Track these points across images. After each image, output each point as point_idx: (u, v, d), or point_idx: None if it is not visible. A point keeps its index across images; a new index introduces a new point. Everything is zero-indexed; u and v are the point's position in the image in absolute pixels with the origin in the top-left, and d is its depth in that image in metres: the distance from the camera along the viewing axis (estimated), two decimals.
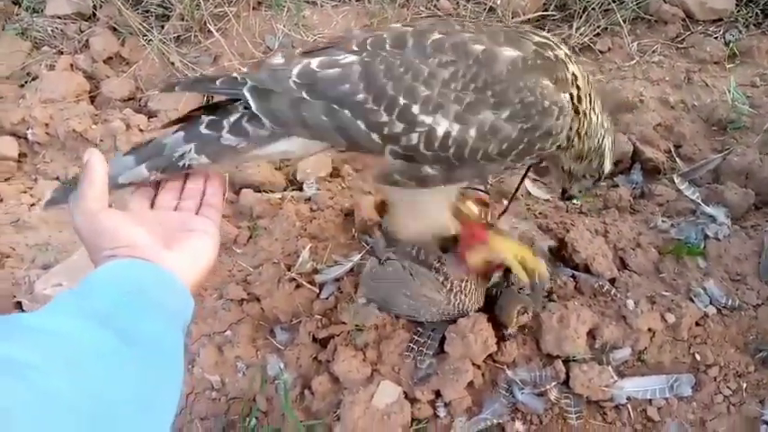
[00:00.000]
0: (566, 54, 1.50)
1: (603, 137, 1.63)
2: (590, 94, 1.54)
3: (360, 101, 1.36)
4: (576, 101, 1.48)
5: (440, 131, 1.36)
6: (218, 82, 1.41)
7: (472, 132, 1.37)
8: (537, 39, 1.48)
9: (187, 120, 1.44)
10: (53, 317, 0.90)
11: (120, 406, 0.82)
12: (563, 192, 1.83)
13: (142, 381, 0.89)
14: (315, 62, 1.39)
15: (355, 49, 1.41)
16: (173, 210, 1.32)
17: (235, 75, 1.41)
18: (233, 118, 1.39)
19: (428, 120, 1.36)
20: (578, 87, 1.50)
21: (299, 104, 1.37)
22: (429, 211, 1.70)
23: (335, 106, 1.37)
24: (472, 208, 1.96)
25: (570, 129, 1.50)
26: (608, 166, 1.71)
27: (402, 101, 1.35)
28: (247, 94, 1.37)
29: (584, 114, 1.53)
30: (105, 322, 0.90)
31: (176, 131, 1.38)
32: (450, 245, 1.94)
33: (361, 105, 1.36)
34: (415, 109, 1.35)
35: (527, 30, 1.55)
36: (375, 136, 1.38)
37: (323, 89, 1.37)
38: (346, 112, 1.37)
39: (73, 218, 1.14)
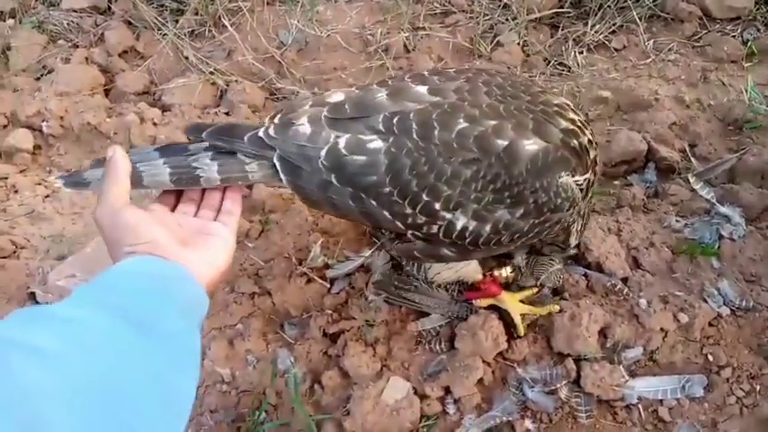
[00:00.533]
0: (589, 140, 1.58)
1: (575, 220, 1.71)
2: None
3: (386, 193, 1.44)
4: (590, 184, 1.60)
5: (458, 225, 1.47)
6: (246, 138, 1.44)
7: (488, 228, 1.48)
8: (564, 124, 1.52)
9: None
10: (75, 308, 0.92)
11: (138, 398, 0.84)
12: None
13: (160, 374, 0.90)
14: (342, 143, 1.43)
15: (381, 129, 1.44)
16: (192, 215, 1.37)
17: (261, 135, 1.45)
18: (250, 133, 1.46)
19: (448, 216, 1.46)
20: (595, 173, 1.61)
21: (327, 187, 1.45)
22: (466, 264, 1.83)
23: (362, 195, 1.45)
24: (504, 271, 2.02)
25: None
26: (572, 242, 1.87)
27: (425, 198, 1.44)
28: (277, 164, 1.44)
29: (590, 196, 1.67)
30: (125, 316, 0.91)
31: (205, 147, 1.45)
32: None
33: (387, 198, 1.45)
34: (437, 206, 1.45)
35: (556, 109, 1.56)
36: (399, 223, 1.49)
37: (350, 177, 1.43)
38: (372, 201, 1.45)
39: (95, 212, 1.17)
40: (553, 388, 1.81)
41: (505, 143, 1.43)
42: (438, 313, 1.96)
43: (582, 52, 3.06)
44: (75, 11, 3.37)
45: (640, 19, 3.09)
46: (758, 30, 3.02)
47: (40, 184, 2.68)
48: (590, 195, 1.71)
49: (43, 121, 2.83)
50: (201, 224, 1.33)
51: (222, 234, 1.29)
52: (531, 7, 3.14)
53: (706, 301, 1.95)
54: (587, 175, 1.57)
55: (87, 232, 2.45)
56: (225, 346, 2.02)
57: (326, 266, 2.15)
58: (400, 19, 3.17)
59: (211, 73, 3.03)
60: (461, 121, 1.44)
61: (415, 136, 1.42)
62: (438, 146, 1.42)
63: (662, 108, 2.69)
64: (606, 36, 3.10)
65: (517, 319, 1.89)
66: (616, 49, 3.08)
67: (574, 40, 3.11)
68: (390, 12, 3.22)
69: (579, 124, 1.57)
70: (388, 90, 1.52)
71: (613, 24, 3.12)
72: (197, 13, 3.26)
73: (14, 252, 2.37)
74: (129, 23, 3.31)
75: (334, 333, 2.01)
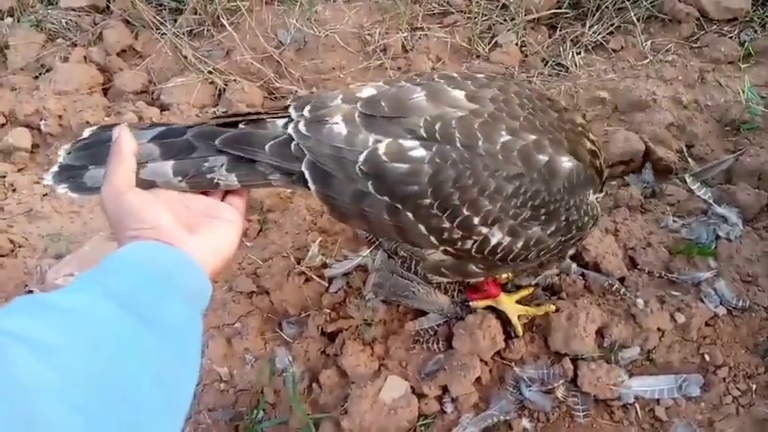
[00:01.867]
0: (603, 160, 1.60)
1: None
2: None
3: (426, 205, 1.38)
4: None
5: (493, 241, 1.44)
6: (267, 147, 1.33)
7: (520, 244, 1.46)
8: (589, 145, 1.54)
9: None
10: (74, 296, 0.90)
11: (139, 387, 0.83)
12: None
13: (161, 364, 0.89)
14: (382, 148, 1.34)
15: (423, 135, 1.36)
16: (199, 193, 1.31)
17: (291, 131, 1.34)
18: (271, 143, 1.35)
19: (485, 230, 1.43)
20: (602, 191, 1.62)
21: (361, 198, 1.37)
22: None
23: (399, 206, 1.38)
24: None
25: None
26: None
27: (465, 212, 1.39)
28: (306, 172, 1.34)
29: None
30: (127, 304, 0.90)
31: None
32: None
33: (427, 210, 1.39)
34: (476, 221, 1.41)
35: (581, 129, 1.58)
36: (433, 238, 1.44)
37: (390, 185, 1.36)
38: (409, 214, 1.39)
39: (100, 194, 1.14)
40: (550, 387, 1.82)
41: (546, 159, 1.41)
42: (437, 312, 1.96)
43: (580, 53, 3.06)
44: (73, 9, 3.37)
45: (638, 20, 3.09)
46: (755, 31, 3.03)
47: (38, 182, 2.68)
48: None
49: (41, 119, 2.83)
50: (209, 205, 1.27)
51: (229, 217, 1.25)
52: (529, 8, 3.15)
53: (703, 301, 1.96)
54: (600, 195, 1.59)
55: (85, 231, 2.45)
56: (223, 344, 2.03)
57: (325, 266, 2.16)
58: (398, 19, 3.18)
59: (210, 72, 3.04)
60: (504, 133, 1.40)
61: (458, 145, 1.37)
62: (483, 158, 1.37)
63: (659, 109, 2.70)
64: (604, 37, 3.11)
65: (515, 321, 1.90)
66: (614, 50, 3.09)
67: (572, 40, 3.11)
68: (389, 12, 3.22)
69: (598, 146, 1.59)
70: (425, 90, 1.45)
71: (611, 25, 3.13)
72: (196, 13, 3.26)
73: (12, 251, 2.38)
74: (128, 22, 3.31)
75: (332, 332, 2.01)
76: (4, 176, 2.68)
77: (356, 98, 1.43)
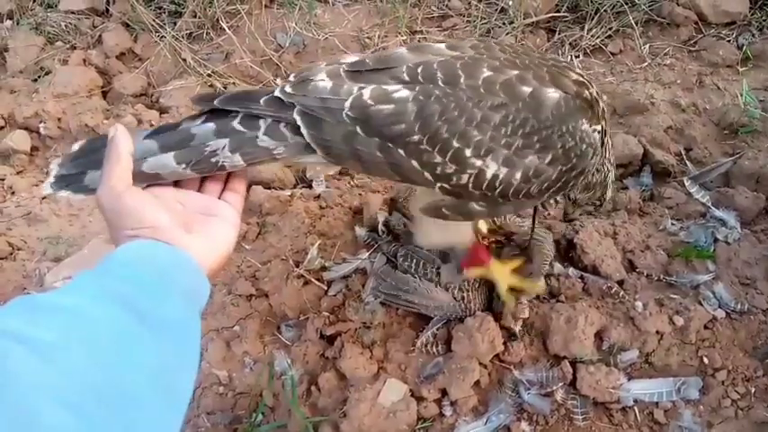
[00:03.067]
0: (597, 92, 1.58)
1: (609, 170, 1.74)
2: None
3: (415, 141, 1.40)
4: (604, 135, 1.58)
5: (489, 174, 1.43)
6: (262, 101, 1.37)
7: (518, 175, 1.45)
8: (574, 76, 1.54)
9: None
10: (74, 297, 0.90)
11: (137, 387, 0.82)
12: (564, 214, 1.95)
13: (160, 363, 0.89)
14: (366, 93, 1.38)
15: (406, 79, 1.41)
16: (196, 190, 1.31)
17: (278, 94, 1.38)
18: (269, 119, 1.37)
19: (479, 162, 1.42)
20: (605, 120, 1.59)
21: (353, 138, 1.39)
22: (458, 229, 1.79)
23: (390, 144, 1.40)
24: (483, 226, 2.07)
25: None
26: (609, 195, 1.82)
27: (455, 144, 1.40)
28: (298, 119, 1.37)
29: (605, 149, 1.63)
30: (125, 303, 0.90)
31: (204, 121, 1.35)
32: (450, 253, 2.02)
33: (416, 146, 1.40)
34: (468, 152, 1.41)
35: (564, 64, 1.59)
36: (428, 174, 1.44)
37: (377, 126, 1.38)
38: (400, 150, 1.41)
39: (97, 195, 1.13)
40: (549, 390, 1.82)
41: (530, 89, 1.43)
42: (436, 315, 1.96)
43: (578, 56, 3.07)
44: (72, 12, 3.37)
45: (636, 23, 3.10)
46: (753, 35, 3.04)
47: (37, 185, 2.68)
48: (610, 146, 1.71)
49: (41, 122, 2.83)
50: (206, 203, 1.28)
51: (227, 215, 1.25)
52: (527, 11, 3.16)
53: (701, 304, 1.96)
54: (601, 125, 1.56)
55: (84, 234, 2.45)
56: (222, 348, 2.03)
57: (323, 269, 2.16)
58: (398, 22, 3.18)
59: (209, 75, 3.04)
60: (485, 70, 1.43)
61: (441, 83, 1.40)
62: (465, 91, 1.40)
63: (658, 112, 2.70)
64: (602, 40, 3.12)
65: (503, 289, 1.89)
66: (612, 54, 3.10)
67: (570, 44, 3.12)
68: (388, 15, 3.23)
69: (586, 78, 1.58)
70: (408, 47, 1.51)
71: (610, 29, 3.13)
72: (195, 16, 3.26)
73: (11, 254, 2.37)
74: (127, 26, 3.31)
75: (331, 335, 2.01)
76: (3, 179, 2.68)
77: (340, 62, 1.48)
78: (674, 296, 1.99)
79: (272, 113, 1.37)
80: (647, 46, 3.07)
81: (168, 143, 1.30)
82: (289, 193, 2.50)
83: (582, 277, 2.06)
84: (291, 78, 1.44)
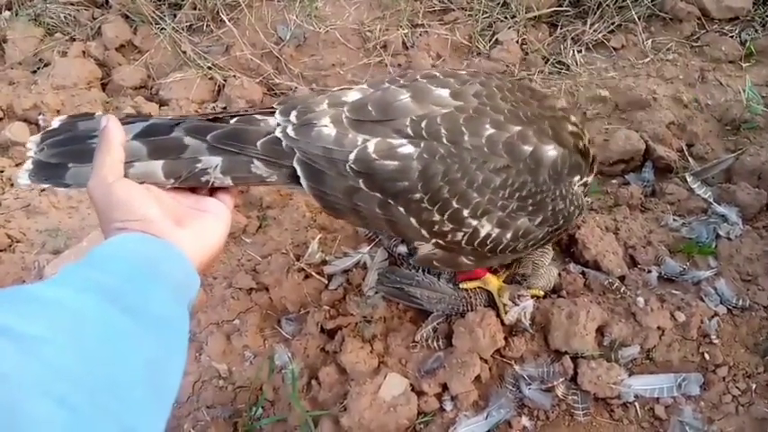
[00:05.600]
0: (589, 140, 1.63)
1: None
2: None
3: (416, 199, 1.41)
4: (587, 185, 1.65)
5: (482, 233, 1.48)
6: (258, 144, 1.34)
7: (509, 235, 1.51)
8: (570, 128, 1.56)
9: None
10: (59, 289, 0.88)
11: (124, 380, 0.81)
12: None
13: (147, 356, 0.87)
14: (371, 147, 1.37)
15: (410, 134, 1.39)
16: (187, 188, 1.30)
17: (279, 134, 1.35)
18: (263, 139, 1.35)
19: (474, 222, 1.47)
20: (593, 172, 1.66)
21: (353, 193, 1.40)
22: None
23: (390, 201, 1.41)
24: None
25: None
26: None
27: (455, 204, 1.43)
28: (298, 168, 1.35)
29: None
30: (112, 297, 0.88)
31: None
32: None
33: (418, 204, 1.42)
34: (465, 213, 1.45)
35: (561, 113, 1.61)
36: (425, 231, 1.47)
37: (381, 182, 1.39)
38: (401, 208, 1.42)
39: (88, 186, 1.11)
40: (550, 385, 1.81)
41: (531, 149, 1.44)
42: (438, 309, 1.95)
43: (580, 51, 3.06)
44: (72, 4, 3.35)
45: (639, 18, 3.09)
46: (756, 30, 3.02)
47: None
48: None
49: (39, 114, 2.81)
50: (197, 199, 1.27)
51: (218, 211, 1.24)
52: (529, 5, 3.14)
53: (703, 300, 1.96)
54: (591, 177, 1.62)
55: (83, 226, 2.44)
56: (222, 341, 2.02)
57: (324, 262, 2.15)
58: (399, 16, 3.17)
59: (209, 68, 3.02)
60: (488, 126, 1.43)
61: (445, 141, 1.40)
62: (470, 151, 1.40)
63: (660, 107, 2.69)
64: (605, 35, 3.10)
65: (499, 302, 1.91)
66: (615, 49, 3.08)
67: (572, 38, 3.11)
68: (389, 8, 3.21)
69: (580, 127, 1.61)
70: (410, 92, 1.46)
71: (612, 23, 3.12)
72: (195, 8, 3.25)
73: (10, 246, 2.36)
74: (127, 17, 3.29)
75: (331, 329, 2.01)
76: (2, 171, 2.66)
77: (342, 102, 1.44)
78: (676, 292, 1.99)
79: (270, 159, 1.35)
80: (650, 41, 3.06)
81: (158, 150, 1.27)
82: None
83: (583, 273, 2.05)
84: (293, 118, 1.39)
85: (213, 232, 1.20)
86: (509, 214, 1.47)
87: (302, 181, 1.36)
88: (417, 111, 1.43)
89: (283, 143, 1.36)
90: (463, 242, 1.50)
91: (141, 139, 1.28)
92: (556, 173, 1.48)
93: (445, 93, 1.48)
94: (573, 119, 1.61)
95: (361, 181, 1.38)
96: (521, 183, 1.44)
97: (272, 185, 1.41)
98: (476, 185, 1.42)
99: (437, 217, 1.44)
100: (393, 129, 1.40)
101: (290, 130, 1.37)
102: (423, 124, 1.40)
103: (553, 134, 1.50)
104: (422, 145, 1.39)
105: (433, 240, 1.51)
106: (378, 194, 1.40)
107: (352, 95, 1.47)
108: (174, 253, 1.05)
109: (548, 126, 1.50)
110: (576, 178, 1.55)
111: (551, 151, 1.48)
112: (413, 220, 1.44)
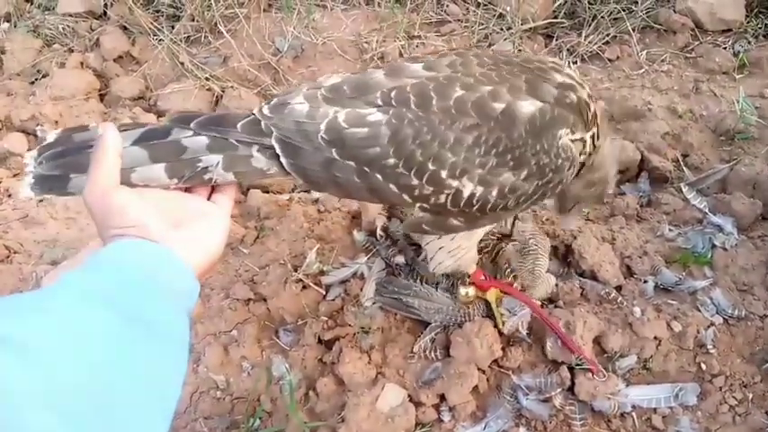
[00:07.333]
0: (588, 94, 1.58)
1: (610, 165, 1.76)
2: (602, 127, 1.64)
3: (390, 165, 1.42)
4: (596, 138, 1.60)
5: (466, 193, 1.47)
6: (239, 126, 1.37)
7: (494, 192, 1.48)
8: (560, 79, 1.53)
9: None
10: (57, 297, 0.87)
11: (124, 389, 0.81)
12: (560, 211, 1.93)
13: (148, 363, 0.87)
14: (341, 116, 1.40)
15: (380, 103, 1.42)
16: (184, 190, 1.30)
17: (255, 114, 1.40)
18: (243, 121, 1.38)
19: (455, 183, 1.45)
20: (597, 125, 1.60)
21: (330, 164, 1.41)
22: (466, 252, 1.83)
23: (366, 169, 1.42)
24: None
25: (582, 165, 1.63)
26: (610, 190, 1.84)
27: (431, 167, 1.43)
28: (276, 146, 1.38)
29: (599, 148, 1.65)
30: (111, 304, 0.87)
31: (195, 134, 1.34)
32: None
33: (393, 170, 1.42)
34: (443, 174, 1.44)
35: (550, 65, 1.58)
36: (406, 196, 1.47)
37: (352, 150, 1.40)
38: (377, 175, 1.43)
39: (84, 193, 1.10)
40: (548, 396, 1.82)
41: (502, 106, 1.44)
42: (436, 319, 1.96)
43: (576, 62, 3.09)
44: (70, 15, 3.36)
45: (633, 30, 3.12)
46: (749, 42, 3.06)
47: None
48: (607, 143, 1.72)
49: (37, 125, 2.82)
50: (195, 203, 1.27)
51: (216, 216, 1.24)
52: (525, 17, 3.17)
53: (699, 310, 1.97)
54: (590, 132, 1.57)
55: (81, 237, 2.44)
56: (220, 352, 2.02)
57: (322, 273, 2.15)
58: (396, 27, 3.19)
59: (207, 79, 3.03)
60: (458, 89, 1.44)
61: (413, 106, 1.42)
62: (437, 114, 1.42)
63: (655, 118, 2.72)
64: (600, 46, 3.14)
65: (497, 312, 1.91)
66: (609, 60, 3.11)
67: (568, 50, 3.14)
68: (386, 20, 3.24)
69: (577, 80, 1.58)
70: (386, 70, 1.51)
71: (607, 35, 3.15)
72: (193, 19, 3.26)
73: (8, 257, 2.36)
74: (125, 29, 3.31)
75: (329, 340, 2.01)
76: (0, 182, 2.66)
77: (320, 85, 1.48)
78: (672, 302, 2.00)
79: (250, 139, 1.37)
80: (644, 52, 3.09)
81: (159, 154, 1.28)
82: (287, 197, 2.50)
83: (580, 283, 2.06)
84: (272, 102, 1.45)
85: (212, 238, 1.19)
86: (490, 171, 1.45)
87: (282, 158, 1.38)
88: (389, 84, 1.46)
89: (262, 123, 1.39)
90: (448, 204, 1.49)
91: (140, 144, 1.29)
92: (534, 127, 1.46)
93: (419, 66, 1.51)
94: (566, 71, 1.59)
95: (334, 151, 1.40)
96: (495, 139, 1.43)
97: (273, 179, 1.43)
98: (448, 146, 1.42)
99: (415, 181, 1.44)
100: (365, 101, 1.44)
101: (265, 110, 1.41)
102: (392, 94, 1.43)
103: (529, 89, 1.48)
104: (390, 112, 1.41)
105: (418, 204, 1.51)
106: (352, 163, 1.41)
107: (332, 80, 1.51)
108: (173, 259, 1.04)
109: (524, 82, 1.49)
110: (563, 131, 1.50)
111: (527, 107, 1.46)
112: (392, 186, 1.45)
